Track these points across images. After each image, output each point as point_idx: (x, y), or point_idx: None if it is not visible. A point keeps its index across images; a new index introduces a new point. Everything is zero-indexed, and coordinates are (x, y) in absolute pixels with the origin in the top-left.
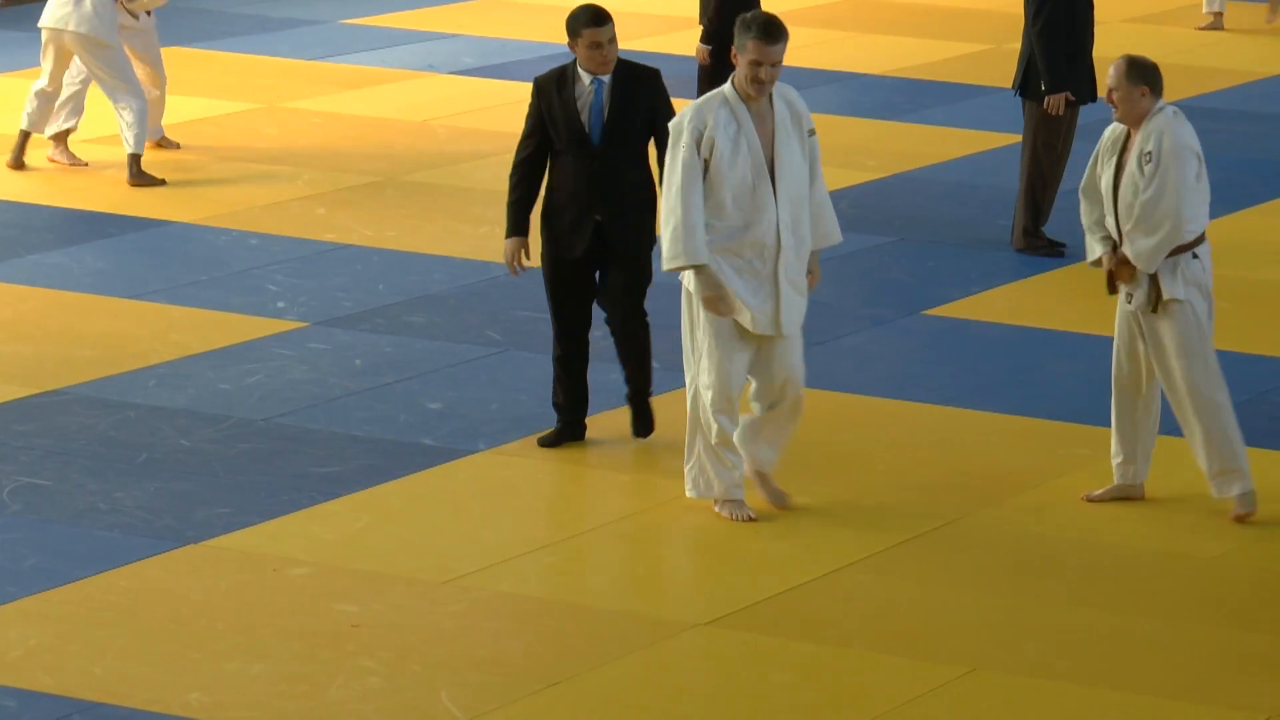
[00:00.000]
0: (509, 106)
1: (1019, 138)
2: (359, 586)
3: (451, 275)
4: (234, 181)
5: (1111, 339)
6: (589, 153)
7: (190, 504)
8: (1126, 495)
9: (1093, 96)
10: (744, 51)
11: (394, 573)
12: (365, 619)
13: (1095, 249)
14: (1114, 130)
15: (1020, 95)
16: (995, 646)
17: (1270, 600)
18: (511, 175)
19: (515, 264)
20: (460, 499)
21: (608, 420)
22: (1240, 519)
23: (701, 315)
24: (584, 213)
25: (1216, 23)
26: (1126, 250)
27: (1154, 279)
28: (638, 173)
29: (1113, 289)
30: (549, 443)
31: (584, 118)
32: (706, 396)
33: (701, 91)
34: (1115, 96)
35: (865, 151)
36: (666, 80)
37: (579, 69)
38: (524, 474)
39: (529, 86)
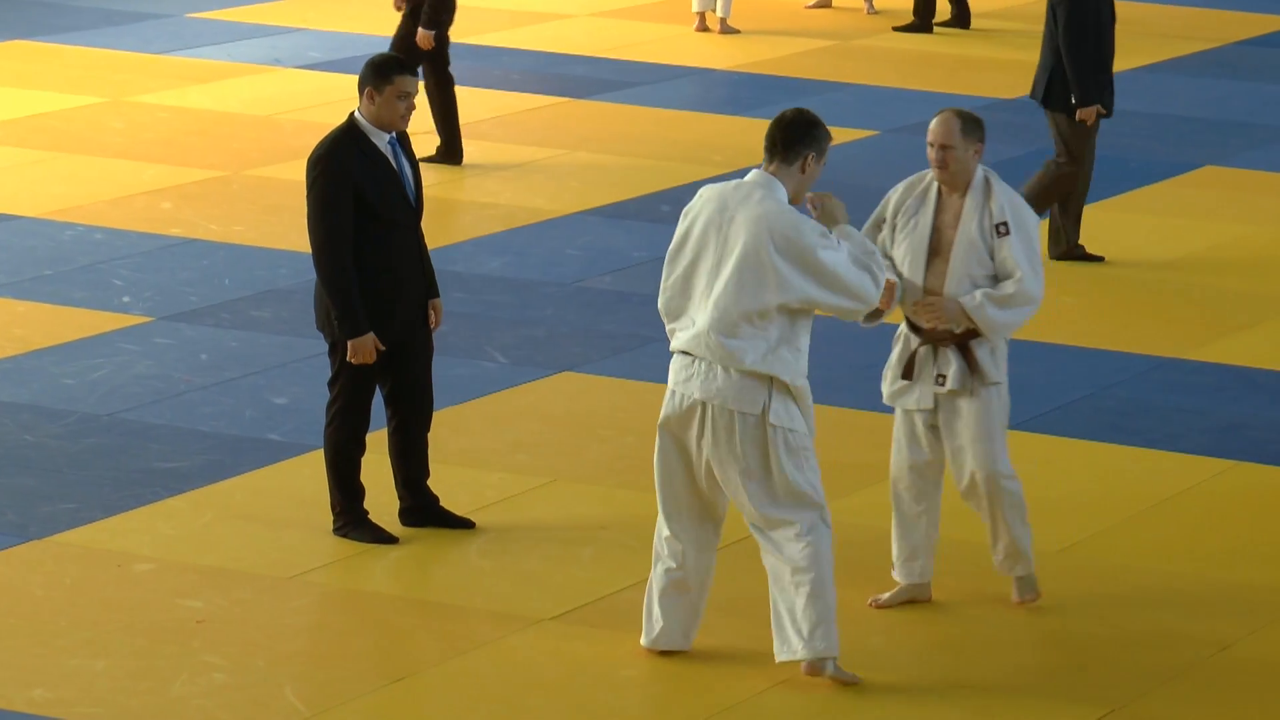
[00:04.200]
0: (355, 101)
1: (868, 133)
2: (203, 582)
3: (298, 270)
4: (79, 176)
5: None
6: (412, 221)
7: (33, 499)
8: (914, 597)
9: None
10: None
11: (239, 568)
12: (210, 614)
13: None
14: (913, 189)
15: (1044, 106)
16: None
17: (1107, 593)
18: (338, 263)
19: (372, 360)
20: (306, 494)
21: (452, 415)
22: (1023, 603)
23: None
24: (418, 288)
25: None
26: (936, 322)
27: (971, 359)
28: None
29: (909, 374)
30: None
31: (404, 181)
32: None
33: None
34: (950, 156)
35: (711, 147)
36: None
37: (369, 127)
38: (370, 469)
39: None
